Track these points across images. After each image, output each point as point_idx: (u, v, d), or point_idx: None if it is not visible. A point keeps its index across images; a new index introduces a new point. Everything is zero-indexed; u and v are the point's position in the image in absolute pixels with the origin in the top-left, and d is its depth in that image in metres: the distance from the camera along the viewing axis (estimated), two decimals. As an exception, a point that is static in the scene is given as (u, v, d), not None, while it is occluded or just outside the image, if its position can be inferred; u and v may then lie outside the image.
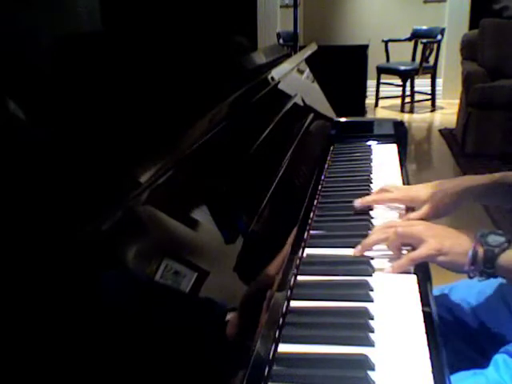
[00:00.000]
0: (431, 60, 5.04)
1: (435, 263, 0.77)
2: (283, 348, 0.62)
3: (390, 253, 0.82)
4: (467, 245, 0.76)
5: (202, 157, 0.67)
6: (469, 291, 0.94)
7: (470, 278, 0.77)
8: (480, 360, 0.88)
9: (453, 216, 0.94)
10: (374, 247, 0.83)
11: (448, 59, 5.27)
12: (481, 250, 0.74)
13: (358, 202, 0.98)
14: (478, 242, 0.75)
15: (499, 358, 0.79)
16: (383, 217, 0.97)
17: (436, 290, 0.97)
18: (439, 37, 5.00)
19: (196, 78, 0.86)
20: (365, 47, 4.10)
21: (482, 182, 0.91)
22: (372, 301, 0.70)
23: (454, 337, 0.90)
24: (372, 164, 1.27)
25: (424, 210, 0.92)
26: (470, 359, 0.88)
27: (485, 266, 0.74)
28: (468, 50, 4.11)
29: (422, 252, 0.77)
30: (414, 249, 0.79)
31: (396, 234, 0.80)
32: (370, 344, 0.61)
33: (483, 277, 0.75)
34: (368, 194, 1.06)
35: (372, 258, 0.81)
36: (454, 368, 0.82)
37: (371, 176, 1.18)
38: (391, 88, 5.30)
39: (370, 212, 0.99)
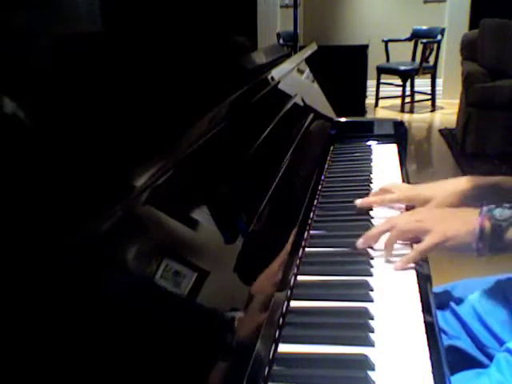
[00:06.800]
0: (431, 60, 5.04)
1: (445, 249, 0.76)
2: (283, 348, 0.62)
3: (391, 251, 0.81)
4: (473, 222, 0.74)
5: (202, 157, 0.67)
6: (469, 290, 0.94)
7: (480, 255, 0.75)
8: (482, 360, 0.87)
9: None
10: (376, 246, 0.82)
11: (448, 59, 5.27)
12: (488, 225, 0.73)
13: (359, 203, 0.99)
14: (485, 217, 0.73)
15: (501, 358, 0.79)
16: (383, 216, 0.97)
17: (436, 289, 0.97)
18: (439, 37, 5.00)
19: (196, 78, 0.85)
20: (365, 47, 4.10)
21: (481, 184, 0.93)
22: (372, 301, 0.70)
23: (456, 336, 0.90)
24: (372, 164, 1.27)
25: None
26: (473, 359, 0.88)
27: (493, 240, 0.72)
28: (468, 49, 4.11)
29: (428, 242, 0.76)
30: (418, 240, 0.78)
31: (398, 230, 0.79)
32: (370, 344, 0.61)
33: (492, 253, 0.74)
34: (368, 195, 1.06)
35: (372, 258, 0.81)
36: (456, 368, 0.82)
37: (371, 176, 1.18)
38: (391, 88, 5.30)
39: (370, 212, 0.99)
